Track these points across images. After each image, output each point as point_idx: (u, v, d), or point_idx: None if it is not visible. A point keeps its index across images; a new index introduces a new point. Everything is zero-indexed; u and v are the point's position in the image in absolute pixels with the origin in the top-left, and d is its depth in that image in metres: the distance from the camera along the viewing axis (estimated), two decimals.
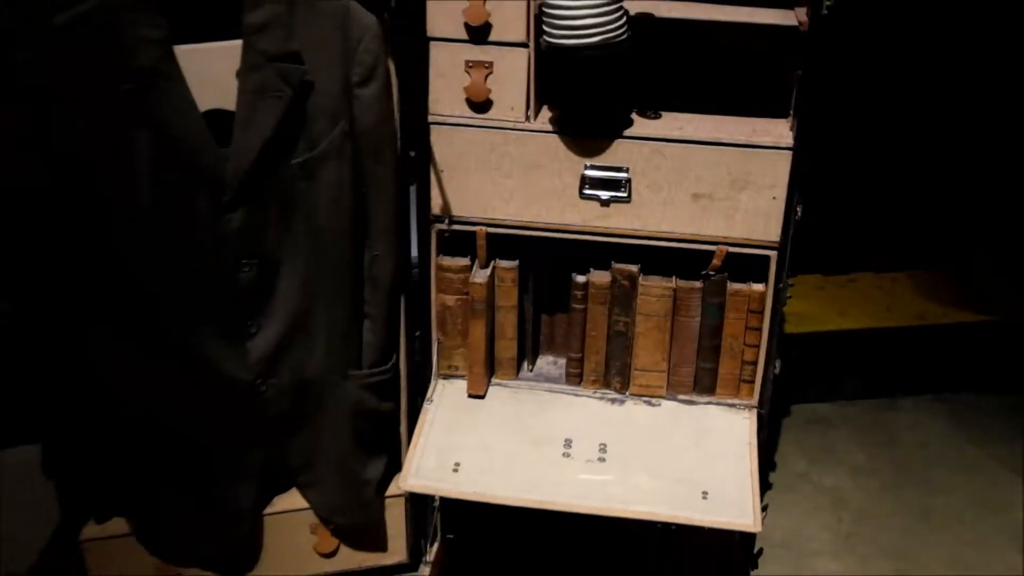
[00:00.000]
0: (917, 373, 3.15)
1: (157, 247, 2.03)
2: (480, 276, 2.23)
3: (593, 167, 2.12)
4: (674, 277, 2.23)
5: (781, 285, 2.20)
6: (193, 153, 1.98)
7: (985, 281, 3.54)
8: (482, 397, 2.32)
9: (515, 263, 2.26)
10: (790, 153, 2.07)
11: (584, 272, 2.26)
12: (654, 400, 2.33)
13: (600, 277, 2.23)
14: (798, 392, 3.04)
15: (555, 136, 2.12)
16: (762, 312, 2.22)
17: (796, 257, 2.19)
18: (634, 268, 2.22)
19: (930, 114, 3.76)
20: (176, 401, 2.17)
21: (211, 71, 1.98)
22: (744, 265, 2.20)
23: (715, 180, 2.11)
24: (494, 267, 2.26)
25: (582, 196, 2.15)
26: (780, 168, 2.08)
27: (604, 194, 2.14)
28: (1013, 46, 3.70)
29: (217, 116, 2.00)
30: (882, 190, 3.78)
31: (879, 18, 3.34)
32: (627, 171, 2.12)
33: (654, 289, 2.22)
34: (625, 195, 2.13)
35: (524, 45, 2.06)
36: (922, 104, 3.75)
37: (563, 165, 2.13)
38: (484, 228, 2.22)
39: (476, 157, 2.15)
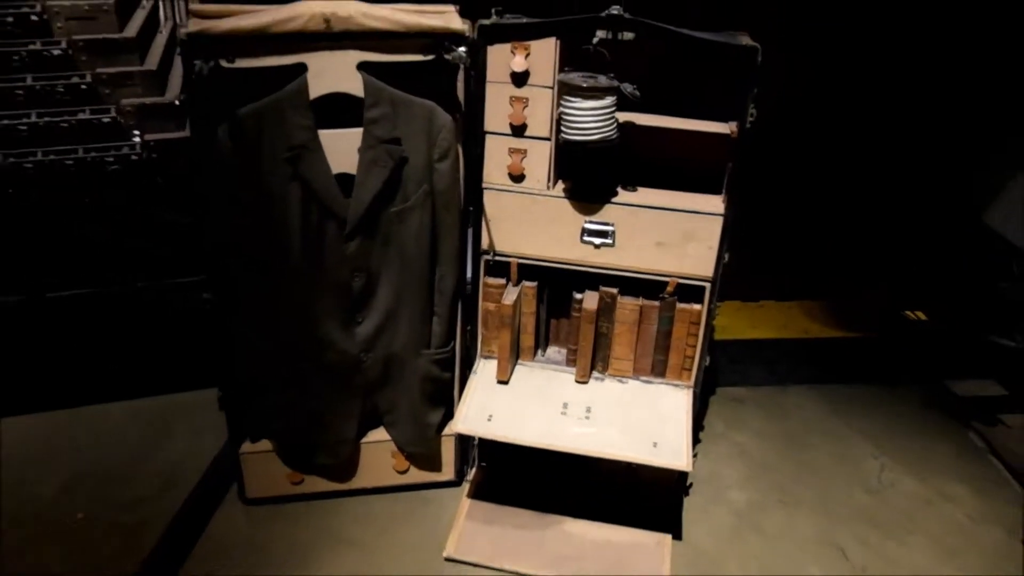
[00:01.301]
0: (802, 369, 3.13)
1: (302, 261, 2.04)
2: (509, 297, 2.21)
3: (590, 222, 2.12)
4: (641, 297, 2.21)
5: (712, 306, 2.18)
6: (328, 201, 2.00)
7: (851, 309, 3.52)
8: (507, 382, 2.29)
9: (535, 284, 2.25)
10: (721, 218, 2.06)
11: (581, 291, 2.25)
12: (624, 379, 2.31)
13: (590, 303, 2.20)
14: (721, 378, 3.03)
15: (566, 200, 2.11)
16: (699, 324, 2.20)
17: (723, 288, 2.17)
18: (614, 290, 2.21)
19: (818, 192, 3.77)
20: (309, 365, 2.17)
21: (341, 147, 1.99)
22: (688, 291, 2.18)
23: (671, 234, 2.09)
24: (522, 286, 2.25)
25: (582, 241, 2.14)
26: (714, 228, 2.07)
27: (597, 240, 2.13)
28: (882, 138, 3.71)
29: (344, 177, 2.01)
30: (783, 244, 3.77)
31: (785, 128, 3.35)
32: (612, 225, 2.11)
33: (628, 305, 2.21)
34: (611, 242, 2.12)
35: (547, 139, 2.06)
36: (814, 185, 3.75)
37: (570, 220, 2.12)
38: (516, 260, 2.21)
39: (513, 212, 2.15)
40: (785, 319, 3.45)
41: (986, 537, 2.41)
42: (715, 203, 2.09)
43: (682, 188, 2.14)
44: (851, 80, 3.58)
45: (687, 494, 2.45)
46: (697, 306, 2.18)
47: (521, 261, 2.21)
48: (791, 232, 3.79)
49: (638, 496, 2.41)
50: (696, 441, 2.43)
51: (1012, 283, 2.96)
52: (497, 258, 2.22)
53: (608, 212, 2.10)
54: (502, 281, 2.24)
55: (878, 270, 3.72)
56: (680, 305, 2.20)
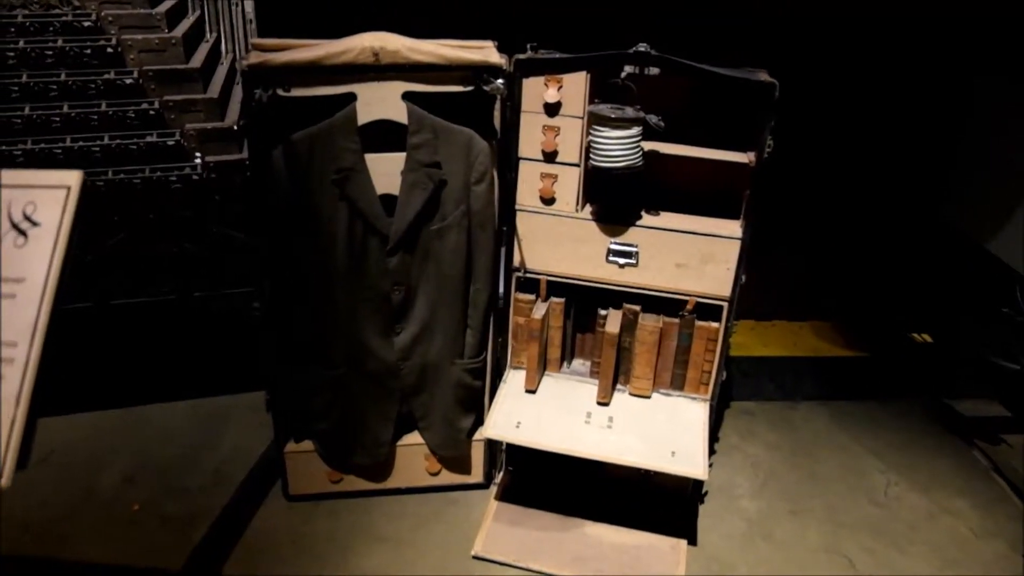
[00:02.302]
0: (811, 386, 3.09)
1: (346, 274, 2.06)
2: (539, 312, 2.20)
3: (615, 243, 2.11)
4: (662, 316, 2.20)
5: (729, 324, 2.16)
6: (372, 219, 2.01)
7: (858, 330, 3.47)
8: (534, 392, 2.28)
9: (563, 300, 2.24)
10: (739, 241, 2.05)
11: (605, 308, 2.24)
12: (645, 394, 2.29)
13: (612, 325, 2.18)
14: (734, 393, 3.00)
15: (593, 222, 2.11)
16: (717, 340, 2.18)
17: (739, 307, 2.15)
18: (637, 308, 2.20)
19: (828, 218, 3.74)
20: (350, 371, 2.18)
21: (386, 170, 2.01)
22: (706, 309, 2.16)
23: (691, 255, 2.09)
24: (550, 301, 2.25)
25: (607, 261, 2.13)
26: (732, 251, 2.06)
27: (621, 260, 2.12)
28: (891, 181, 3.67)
29: (387, 198, 2.03)
30: (795, 268, 3.74)
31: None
32: (636, 247, 2.10)
33: (648, 327, 2.18)
34: (634, 262, 2.12)
35: (577, 165, 2.06)
36: (825, 213, 3.72)
37: (597, 240, 2.12)
38: (545, 277, 2.21)
39: (543, 232, 2.15)
40: (795, 338, 3.41)
41: (988, 550, 2.35)
42: (733, 227, 2.08)
43: (702, 213, 2.14)
44: (858, 104, 3.55)
45: (702, 501, 2.42)
46: (715, 324, 2.17)
47: (550, 278, 2.21)
48: (802, 255, 3.76)
49: (655, 502, 2.39)
50: (711, 452, 2.40)
51: (1014, 308, 2.91)
52: (528, 275, 2.21)
53: (632, 234, 2.10)
54: (532, 297, 2.24)
55: (885, 293, 3.67)
56: (699, 323, 2.18)
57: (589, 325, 2.33)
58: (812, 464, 2.67)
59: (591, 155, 1.99)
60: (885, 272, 3.75)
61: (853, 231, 3.76)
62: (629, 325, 2.21)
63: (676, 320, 2.19)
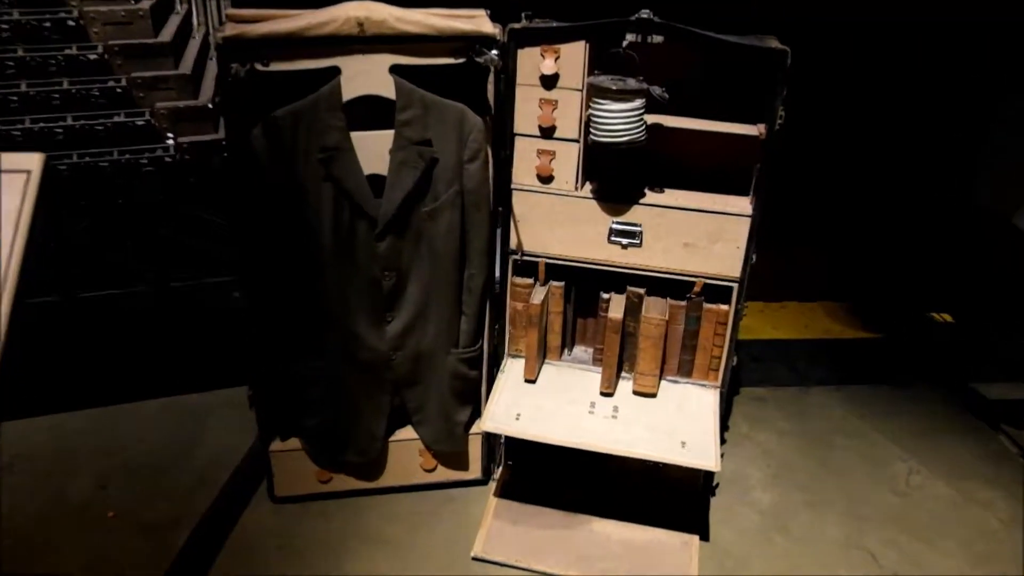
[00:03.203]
0: (824, 370, 3.12)
1: (333, 260, 2.07)
2: (537, 297, 2.21)
3: (617, 222, 2.13)
4: (668, 300, 2.22)
5: (739, 306, 2.18)
6: (359, 201, 2.02)
7: (874, 310, 3.51)
8: (534, 382, 2.30)
9: (563, 283, 2.26)
10: (749, 219, 2.07)
11: (608, 291, 2.26)
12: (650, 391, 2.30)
13: (615, 310, 2.19)
14: (744, 378, 3.03)
15: (594, 201, 2.13)
16: (726, 324, 2.20)
17: (748, 288, 2.17)
18: (641, 291, 2.21)
19: (840, 197, 3.76)
20: (338, 363, 2.20)
21: (373, 149, 2.01)
22: (714, 291, 2.18)
23: (698, 234, 2.10)
24: (549, 285, 2.27)
25: (609, 241, 2.15)
26: (742, 229, 2.08)
27: (624, 240, 2.14)
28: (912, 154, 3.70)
29: (375, 178, 2.04)
30: (805, 243, 3.77)
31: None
32: (640, 226, 2.12)
33: (653, 319, 2.18)
34: (638, 242, 2.14)
35: (576, 141, 2.08)
36: (837, 186, 3.75)
37: (598, 220, 2.14)
38: (544, 260, 2.22)
39: (541, 212, 2.16)
40: (807, 320, 3.44)
41: (1019, 542, 2.38)
42: (743, 204, 2.10)
43: (709, 189, 2.15)
44: (876, 74, 3.57)
45: (713, 494, 2.45)
46: (724, 306, 2.19)
47: (549, 261, 2.22)
48: (814, 233, 3.78)
49: (664, 496, 2.42)
50: (722, 441, 2.42)
51: None
52: (525, 258, 2.23)
53: (636, 213, 2.12)
54: (530, 281, 2.26)
55: (903, 270, 3.71)
56: (707, 305, 2.20)
57: (591, 310, 2.35)
58: (828, 452, 2.71)
59: (591, 130, 2.00)
60: (902, 249, 3.78)
61: (868, 207, 3.79)
62: (633, 309, 2.23)
63: (683, 303, 2.21)
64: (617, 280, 2.23)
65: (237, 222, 2.05)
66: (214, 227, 2.50)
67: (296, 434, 2.35)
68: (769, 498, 2.51)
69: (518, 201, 2.17)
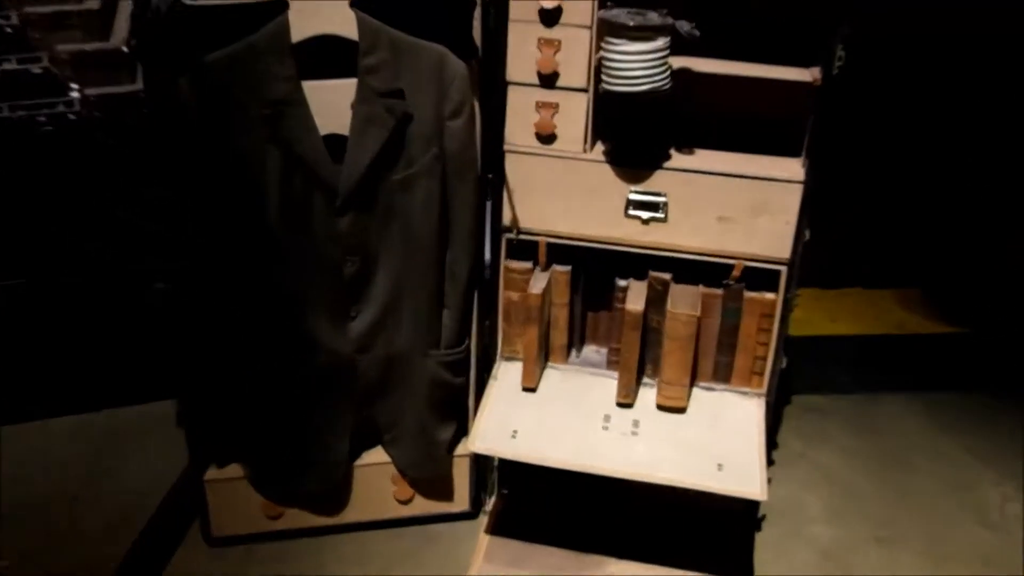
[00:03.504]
0: (898, 373, 3.13)
1: (282, 242, 2.09)
2: (537, 287, 2.22)
3: (636, 192, 2.14)
4: (700, 288, 2.23)
5: (789, 295, 2.19)
6: (313, 167, 2.03)
7: (959, 298, 3.52)
8: (534, 390, 2.31)
9: (569, 268, 2.27)
10: (801, 186, 2.08)
11: (625, 277, 2.27)
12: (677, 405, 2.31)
13: (635, 301, 2.20)
14: (796, 384, 3.05)
15: (607, 166, 2.13)
16: (773, 316, 2.21)
17: (800, 272, 2.18)
18: (667, 276, 2.22)
19: (911, 160, 3.75)
20: (290, 368, 2.21)
21: (331, 102, 2.02)
22: (758, 277, 2.19)
23: (737, 206, 2.11)
24: (552, 270, 2.27)
25: (627, 216, 2.16)
26: (793, 198, 2.09)
27: (645, 214, 2.15)
28: (997, 92, 3.69)
29: (334, 139, 2.04)
30: (871, 216, 3.75)
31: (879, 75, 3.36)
32: (664, 196, 2.13)
33: (682, 316, 2.18)
34: (662, 216, 2.14)
35: (584, 90, 2.08)
36: (903, 153, 3.74)
37: (612, 189, 2.14)
38: (545, 239, 2.23)
39: (541, 180, 2.17)
40: (876, 310, 3.46)
41: None
42: (793, 168, 2.11)
43: (751, 150, 2.16)
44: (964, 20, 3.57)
45: (759, 529, 2.48)
46: (770, 295, 2.20)
47: (551, 240, 2.24)
48: (884, 202, 3.78)
49: (698, 531, 2.45)
50: (769, 462, 2.46)
51: None
52: (522, 236, 2.25)
53: (659, 179, 2.13)
54: (528, 265, 2.27)
55: (995, 249, 3.73)
56: (748, 294, 2.22)
57: (604, 301, 2.37)
58: (903, 476, 2.74)
59: (603, 76, 2.00)
60: (996, 222, 3.79)
61: (951, 168, 3.78)
62: (657, 299, 2.24)
63: (719, 291, 2.23)
64: (637, 263, 2.25)
65: (160, 195, 2.07)
66: (131, 200, 2.51)
67: (238, 458, 2.38)
68: (830, 533, 2.54)
69: (513, 166, 2.18)
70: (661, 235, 2.18)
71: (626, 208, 2.17)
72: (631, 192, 2.15)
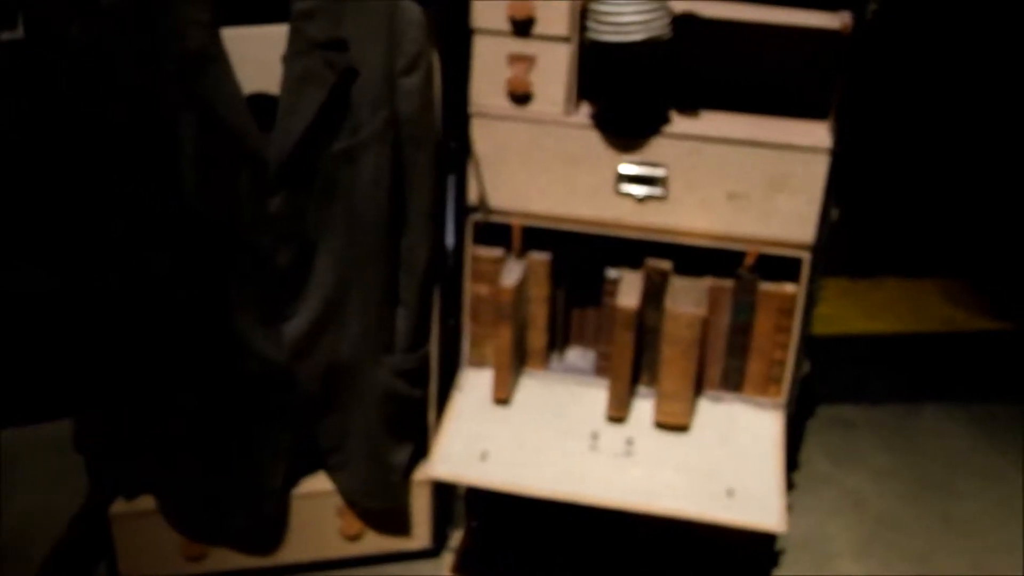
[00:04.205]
0: (942, 379, 3.15)
1: (198, 225, 2.06)
2: (510, 279, 2.22)
3: (630, 163, 2.13)
4: (707, 280, 2.23)
5: (813, 287, 2.20)
6: (236, 135, 2.01)
7: (1010, 291, 3.53)
8: (507, 402, 2.31)
9: (548, 255, 2.27)
10: (827, 156, 2.07)
11: (617, 266, 2.27)
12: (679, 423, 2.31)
13: (628, 296, 2.19)
14: (822, 393, 3.06)
15: (594, 131, 2.13)
16: (792, 312, 2.21)
17: (827, 259, 2.19)
18: (666, 265, 2.22)
19: (960, 122, 3.76)
20: (212, 380, 2.19)
21: (257, 55, 2.00)
22: (775, 265, 2.19)
23: (751, 180, 2.11)
24: (528, 259, 2.27)
25: (618, 193, 2.16)
26: (818, 170, 2.08)
27: (640, 190, 2.14)
28: None
29: (262, 100, 2.02)
30: (912, 192, 3.78)
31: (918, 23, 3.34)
32: (664, 168, 2.12)
33: (683, 315, 2.17)
34: (661, 192, 2.14)
35: (566, 40, 2.07)
36: (952, 114, 3.75)
37: (600, 160, 2.14)
38: (520, 221, 2.23)
39: (515, 150, 2.16)
40: (915, 304, 3.48)
41: None
42: (818, 133, 2.11)
43: (769, 112, 2.16)
44: None
45: (777, 565, 2.48)
46: (790, 286, 2.20)
47: (527, 223, 2.24)
48: (926, 177, 3.80)
49: (705, 570, 2.45)
50: (789, 487, 2.46)
51: None
52: (491, 218, 2.24)
53: (657, 148, 2.12)
54: (499, 252, 2.27)
55: None
56: (764, 285, 2.22)
57: (592, 295, 2.36)
58: (947, 501, 2.75)
59: (590, 23, 1.99)
60: None
61: (1006, 136, 3.81)
62: (654, 293, 2.23)
63: (728, 283, 2.23)
64: (630, 250, 2.24)
65: (45, 167, 2.03)
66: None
67: (150, 488, 2.36)
68: (862, 569, 2.55)
69: (481, 133, 2.17)
70: (659, 216, 2.18)
71: (617, 183, 2.16)
72: (623, 164, 2.14)
